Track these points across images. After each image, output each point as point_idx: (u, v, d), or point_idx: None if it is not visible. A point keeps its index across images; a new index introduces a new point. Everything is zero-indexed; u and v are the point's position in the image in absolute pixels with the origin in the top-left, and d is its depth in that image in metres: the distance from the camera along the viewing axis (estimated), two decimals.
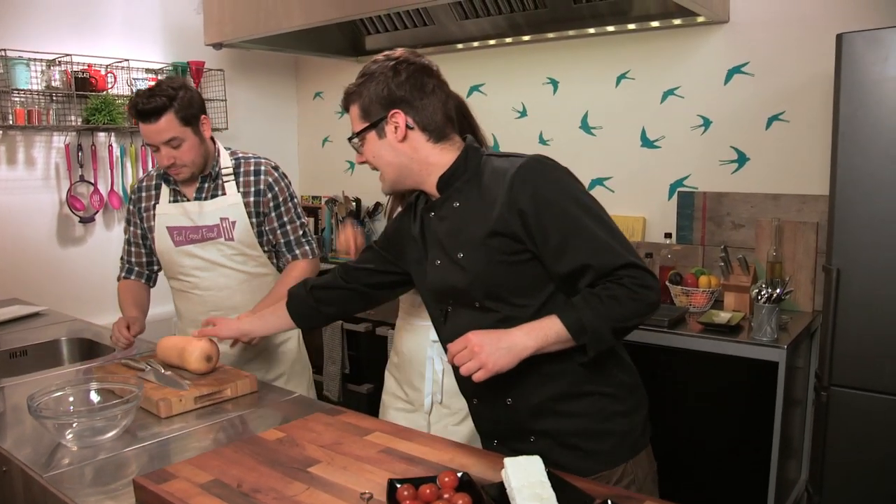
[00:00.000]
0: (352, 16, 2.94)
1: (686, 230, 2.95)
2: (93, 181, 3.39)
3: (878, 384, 2.05)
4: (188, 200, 2.05)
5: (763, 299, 2.28)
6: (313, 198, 4.34)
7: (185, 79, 3.54)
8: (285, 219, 2.08)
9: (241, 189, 2.04)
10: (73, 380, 1.77)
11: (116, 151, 3.45)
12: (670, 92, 2.99)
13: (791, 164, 2.73)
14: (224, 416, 1.62)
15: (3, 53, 3.00)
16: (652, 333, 2.43)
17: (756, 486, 2.30)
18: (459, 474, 1.14)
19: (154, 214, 2.08)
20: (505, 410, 1.39)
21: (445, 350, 1.33)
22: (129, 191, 3.42)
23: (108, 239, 3.45)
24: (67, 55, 3.21)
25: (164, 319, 2.39)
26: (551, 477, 1.11)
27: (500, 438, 1.45)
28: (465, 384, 1.42)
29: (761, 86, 2.76)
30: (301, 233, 2.11)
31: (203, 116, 1.97)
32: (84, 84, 3.23)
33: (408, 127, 1.36)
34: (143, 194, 2.12)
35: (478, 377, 1.23)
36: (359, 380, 3.38)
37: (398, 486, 1.11)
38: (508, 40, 3.35)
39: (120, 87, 3.40)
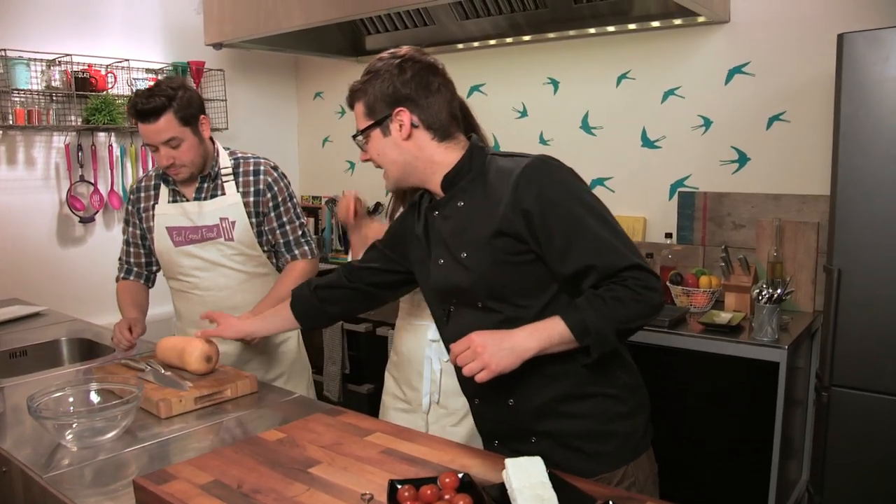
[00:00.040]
0: (352, 16, 2.94)
1: (687, 230, 2.95)
2: (93, 181, 3.39)
3: (880, 384, 2.05)
4: (187, 200, 2.04)
5: (764, 299, 2.28)
6: (313, 198, 4.34)
7: (184, 79, 3.54)
8: (284, 219, 2.08)
9: (241, 189, 2.04)
10: (72, 380, 1.76)
11: (116, 151, 3.44)
12: (671, 92, 2.99)
13: (792, 164, 2.73)
14: (224, 416, 1.62)
15: (3, 53, 3.00)
16: (652, 334, 2.43)
17: (757, 486, 2.29)
18: (460, 475, 1.13)
19: (153, 215, 2.07)
20: (507, 411, 1.39)
21: (448, 350, 1.32)
22: (128, 191, 3.42)
23: (108, 239, 3.45)
24: (67, 55, 3.21)
25: (163, 320, 2.39)
26: (552, 478, 1.11)
27: (502, 439, 1.44)
28: (468, 384, 1.41)
29: (762, 86, 2.76)
30: (300, 233, 2.11)
31: (202, 116, 1.96)
32: (84, 84, 3.23)
33: (413, 125, 1.36)
34: (142, 195, 2.12)
35: (480, 378, 1.22)
36: (359, 380, 3.38)
37: (399, 486, 1.10)
38: (509, 40, 3.35)
39: (120, 87, 3.40)
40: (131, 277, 2.18)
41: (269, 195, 2.05)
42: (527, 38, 3.28)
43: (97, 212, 3.41)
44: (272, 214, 2.06)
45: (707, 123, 2.91)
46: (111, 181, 3.45)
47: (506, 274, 1.32)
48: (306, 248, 2.11)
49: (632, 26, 2.97)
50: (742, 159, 2.84)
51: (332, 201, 4.13)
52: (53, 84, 3.19)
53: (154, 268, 2.20)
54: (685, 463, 2.34)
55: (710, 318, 2.48)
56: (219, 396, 1.69)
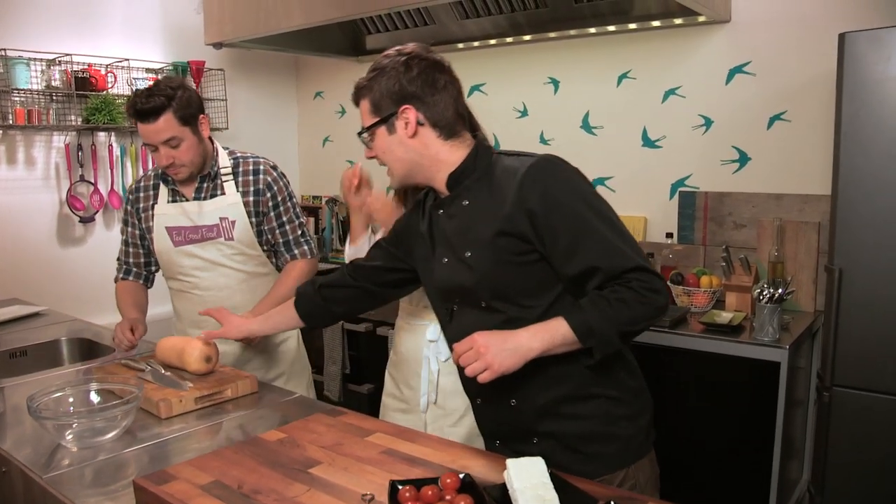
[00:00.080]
0: (352, 15, 2.94)
1: (687, 230, 2.94)
2: (93, 181, 3.38)
3: (881, 384, 2.05)
4: (187, 200, 2.04)
5: (765, 299, 2.27)
6: (313, 198, 4.34)
7: (183, 78, 3.54)
8: (284, 218, 2.07)
9: (241, 188, 2.04)
10: (72, 380, 1.76)
11: (116, 151, 3.44)
12: (671, 91, 2.98)
13: (793, 163, 2.72)
14: (224, 416, 1.62)
15: (3, 53, 2.99)
16: (653, 333, 2.42)
17: (758, 486, 2.29)
18: (461, 475, 1.13)
19: (153, 215, 2.07)
20: (509, 411, 1.38)
21: (451, 349, 1.32)
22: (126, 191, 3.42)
23: (109, 239, 3.45)
24: (67, 55, 3.20)
25: (162, 320, 2.38)
26: (554, 478, 1.11)
27: (503, 439, 1.44)
28: (470, 384, 1.41)
29: (763, 85, 2.76)
30: (300, 232, 2.10)
31: (201, 116, 1.96)
32: (84, 84, 3.22)
33: (418, 123, 1.35)
34: (141, 195, 2.11)
35: (483, 378, 1.22)
36: (359, 380, 3.37)
37: (400, 487, 1.10)
38: (509, 40, 3.35)
39: (120, 87, 3.40)
40: (130, 278, 2.18)
41: (268, 194, 2.05)
42: (527, 37, 3.28)
43: (97, 212, 3.41)
44: (272, 214, 2.06)
45: (708, 123, 2.91)
46: (111, 181, 3.45)
47: (510, 274, 1.32)
48: (306, 247, 2.11)
49: (632, 26, 2.97)
50: (743, 159, 2.84)
51: (333, 201, 4.13)
52: (53, 84, 3.19)
53: (153, 268, 2.20)
54: (686, 463, 2.34)
55: (710, 317, 2.48)
56: (219, 397, 1.69)
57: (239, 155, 2.09)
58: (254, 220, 2.04)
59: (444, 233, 1.42)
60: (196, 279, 2.06)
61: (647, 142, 3.08)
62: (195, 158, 1.96)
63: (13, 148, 3.17)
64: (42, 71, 3.16)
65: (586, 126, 3.24)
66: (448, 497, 1.08)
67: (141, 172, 3.51)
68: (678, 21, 2.86)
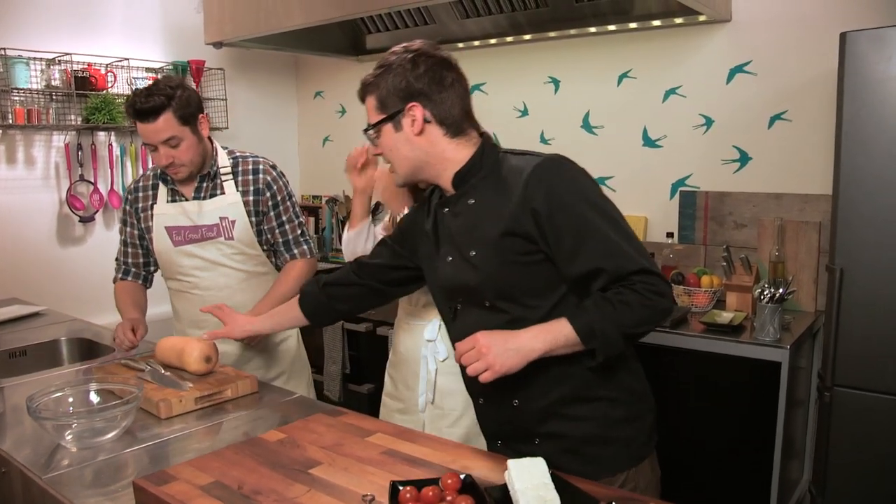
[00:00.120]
0: (352, 14, 2.93)
1: (688, 230, 2.94)
2: (92, 180, 3.38)
3: (882, 384, 2.05)
4: (186, 200, 2.04)
5: (765, 299, 2.27)
6: (313, 197, 4.33)
7: (183, 78, 3.53)
8: (283, 218, 2.07)
9: (240, 188, 2.03)
10: (72, 380, 1.76)
11: (116, 151, 3.44)
12: (672, 91, 2.98)
13: (793, 163, 2.72)
14: (224, 416, 1.61)
15: (2, 52, 2.99)
16: (654, 333, 2.38)
17: (758, 486, 2.29)
18: (462, 476, 1.13)
19: (152, 215, 2.06)
20: (511, 412, 1.38)
21: (455, 348, 1.32)
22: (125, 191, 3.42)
23: (108, 238, 3.44)
24: (67, 54, 3.20)
25: (161, 320, 2.38)
26: (555, 479, 1.10)
27: (505, 439, 1.43)
28: (472, 384, 1.40)
29: (763, 85, 2.75)
30: (299, 232, 2.10)
31: (201, 115, 1.96)
32: (84, 83, 3.22)
33: (425, 120, 1.34)
34: (140, 194, 2.11)
35: (484, 378, 1.22)
36: (359, 380, 3.37)
37: (401, 488, 1.10)
38: (509, 39, 3.34)
39: (120, 87, 3.39)
40: (129, 278, 2.17)
41: (268, 194, 2.04)
42: (527, 37, 3.27)
43: (97, 211, 3.41)
44: (271, 213, 2.05)
45: (708, 123, 2.91)
46: (111, 180, 3.45)
47: (514, 274, 1.31)
48: (305, 247, 2.11)
49: (633, 25, 2.97)
50: (743, 158, 2.84)
51: (333, 201, 4.13)
52: (53, 83, 3.18)
53: (152, 268, 2.19)
54: (686, 463, 2.33)
55: (711, 317, 2.47)
56: (219, 397, 1.68)
57: (238, 154, 2.08)
58: (253, 219, 2.04)
59: (449, 231, 1.41)
60: (196, 279, 2.06)
61: (648, 141, 3.07)
62: (195, 158, 1.96)
63: (13, 147, 3.16)
64: (42, 70, 3.16)
65: (587, 126, 3.24)
66: (449, 498, 1.08)
67: (141, 172, 3.50)
68: (679, 20, 2.85)
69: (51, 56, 3.16)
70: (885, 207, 2.01)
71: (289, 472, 1.24)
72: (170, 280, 2.13)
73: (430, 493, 1.08)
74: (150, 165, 3.39)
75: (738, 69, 2.80)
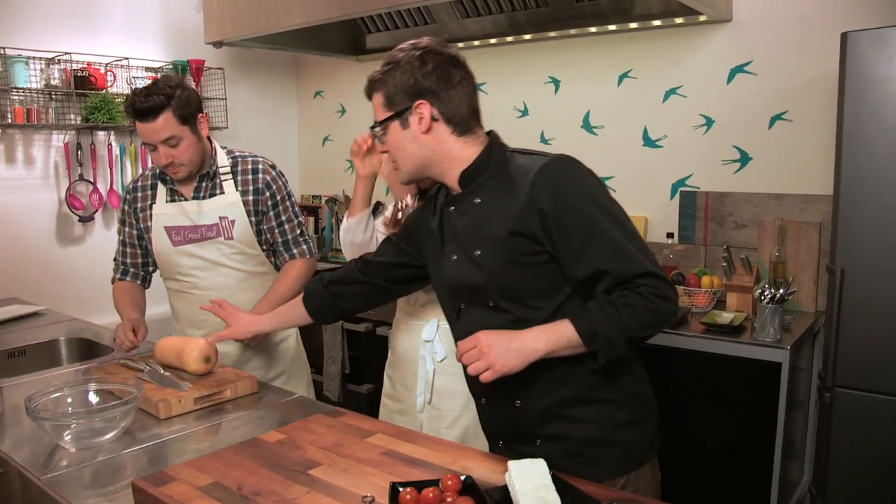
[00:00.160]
0: (352, 14, 2.93)
1: (688, 230, 2.94)
2: (92, 180, 3.38)
3: (882, 385, 2.04)
4: (186, 200, 2.03)
5: (766, 300, 2.27)
6: (313, 197, 4.33)
7: (182, 77, 3.53)
8: (283, 217, 2.07)
9: (240, 188, 2.03)
10: (71, 380, 1.75)
11: (116, 150, 3.43)
12: (672, 91, 2.98)
13: (794, 163, 2.72)
14: (224, 417, 1.61)
15: (2, 52, 2.98)
16: None
17: (759, 487, 2.29)
18: (463, 477, 1.12)
19: (151, 215, 2.06)
20: (513, 412, 1.38)
21: (457, 346, 1.31)
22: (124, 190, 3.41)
23: (108, 238, 3.44)
24: (67, 53, 3.19)
25: (160, 320, 2.38)
26: (555, 480, 1.10)
27: (506, 440, 1.43)
28: (474, 384, 1.40)
29: (764, 85, 2.75)
30: (298, 232, 2.10)
31: (200, 115, 1.95)
32: (83, 82, 3.22)
33: (433, 118, 1.33)
34: (139, 194, 2.10)
35: (485, 378, 1.21)
36: (359, 380, 3.37)
37: (401, 489, 1.09)
38: (510, 39, 3.34)
39: (119, 86, 3.39)
40: (128, 278, 2.16)
41: (267, 193, 2.04)
42: (528, 36, 3.27)
43: (96, 211, 3.40)
44: (271, 213, 2.05)
45: (709, 123, 2.90)
46: (110, 180, 3.44)
47: (520, 274, 1.31)
48: (304, 247, 2.10)
49: (633, 25, 2.96)
50: (744, 159, 2.83)
51: (332, 200, 4.12)
52: (52, 82, 3.18)
53: (150, 268, 2.19)
54: (686, 463, 2.33)
55: (711, 318, 2.47)
56: (218, 397, 1.68)
57: (237, 154, 2.08)
58: (253, 219, 2.04)
59: (454, 230, 1.41)
60: (195, 279, 2.05)
61: (648, 141, 3.07)
62: (194, 157, 1.95)
63: (12, 147, 3.16)
64: (41, 70, 3.15)
65: (587, 126, 3.23)
66: (449, 499, 1.07)
67: (140, 172, 3.50)
68: (679, 20, 2.85)
69: (50, 55, 3.16)
70: (886, 208, 2.00)
71: (288, 472, 1.24)
72: (169, 280, 2.12)
73: (431, 495, 1.07)
74: (150, 165, 3.39)
75: (739, 69, 2.80)
